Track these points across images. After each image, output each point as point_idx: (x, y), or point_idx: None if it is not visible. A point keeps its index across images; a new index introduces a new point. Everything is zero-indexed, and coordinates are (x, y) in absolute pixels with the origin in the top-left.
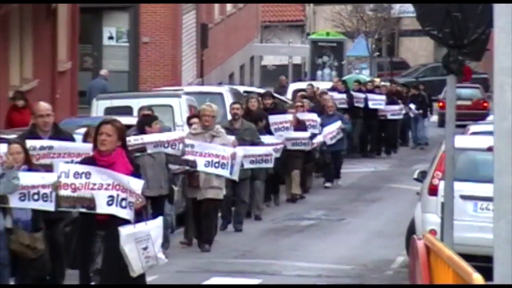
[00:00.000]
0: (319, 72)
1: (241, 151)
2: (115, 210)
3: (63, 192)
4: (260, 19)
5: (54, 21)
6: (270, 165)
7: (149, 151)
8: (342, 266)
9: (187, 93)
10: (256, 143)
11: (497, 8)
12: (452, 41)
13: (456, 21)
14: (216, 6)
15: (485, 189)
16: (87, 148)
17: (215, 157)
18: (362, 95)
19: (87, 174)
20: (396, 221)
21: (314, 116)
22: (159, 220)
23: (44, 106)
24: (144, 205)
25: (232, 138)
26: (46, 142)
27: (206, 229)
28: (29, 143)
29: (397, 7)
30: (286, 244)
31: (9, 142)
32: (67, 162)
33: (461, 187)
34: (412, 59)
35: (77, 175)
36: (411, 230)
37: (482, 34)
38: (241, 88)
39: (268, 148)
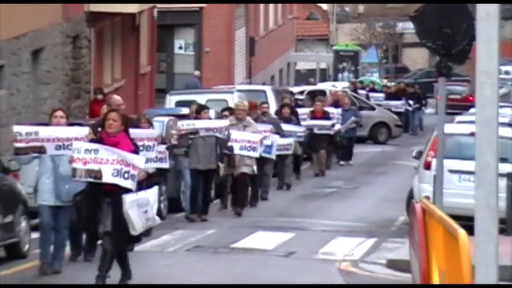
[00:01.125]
0: (339, 75)
1: (276, 136)
2: (118, 181)
3: (75, 165)
4: (295, 34)
5: (137, 34)
6: (290, 152)
7: (201, 134)
8: (356, 223)
9: (238, 91)
10: (280, 134)
11: (479, 24)
12: (443, 51)
13: (446, 36)
14: (261, 23)
15: (468, 165)
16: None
17: (247, 142)
18: (364, 92)
19: (96, 151)
20: (398, 189)
21: (335, 110)
22: (155, 188)
23: (117, 99)
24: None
25: (269, 126)
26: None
27: (241, 197)
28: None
29: (400, 25)
30: (314, 206)
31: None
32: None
33: (449, 164)
34: (412, 65)
35: (87, 151)
36: (410, 196)
37: (466, 45)
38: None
39: (290, 139)
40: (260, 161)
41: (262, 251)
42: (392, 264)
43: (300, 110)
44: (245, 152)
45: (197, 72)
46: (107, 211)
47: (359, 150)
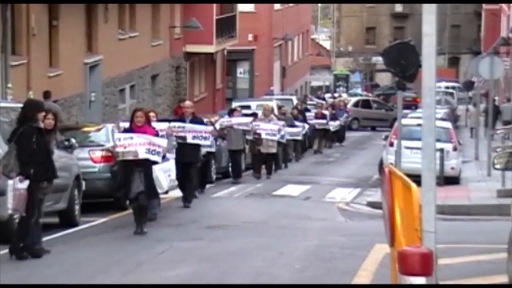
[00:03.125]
0: (337, 89)
1: (288, 128)
2: (149, 156)
3: (118, 149)
4: (310, 64)
5: (215, 65)
6: (299, 137)
7: (234, 127)
8: (348, 179)
9: (276, 99)
10: (293, 125)
11: (424, 59)
12: (400, 74)
13: (402, 65)
14: (289, 57)
15: (416, 144)
16: (206, 128)
17: (270, 130)
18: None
19: (131, 138)
20: (373, 158)
21: (327, 112)
22: (172, 160)
23: (187, 103)
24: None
25: (282, 122)
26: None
27: (268, 168)
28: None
29: (374, 58)
30: (322, 169)
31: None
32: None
33: (404, 143)
34: (381, 83)
35: (125, 138)
36: (381, 163)
37: (414, 71)
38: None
39: (299, 129)
40: (280, 144)
41: (291, 196)
42: (371, 204)
43: (307, 113)
44: (269, 137)
45: (272, 87)
46: (139, 177)
47: (349, 134)
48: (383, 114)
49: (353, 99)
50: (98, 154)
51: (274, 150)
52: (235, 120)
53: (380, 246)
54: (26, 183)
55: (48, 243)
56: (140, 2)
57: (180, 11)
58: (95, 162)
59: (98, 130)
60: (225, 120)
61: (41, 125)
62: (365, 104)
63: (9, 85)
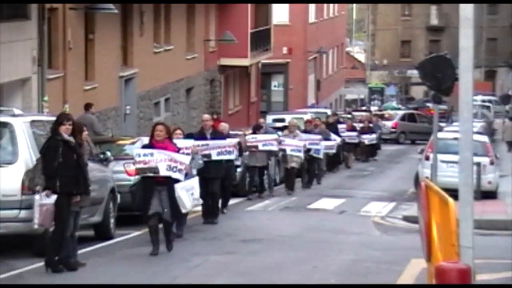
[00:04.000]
0: (372, 102)
1: (324, 142)
2: (171, 174)
3: (137, 165)
4: (344, 77)
5: (249, 78)
6: (334, 151)
7: (259, 148)
8: (383, 193)
9: (310, 112)
10: (329, 139)
11: (461, 72)
12: (436, 88)
13: (438, 78)
14: (324, 70)
15: (452, 158)
16: (230, 142)
17: (295, 146)
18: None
19: (151, 154)
20: (409, 172)
21: (365, 125)
22: (196, 178)
23: (206, 116)
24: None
25: (317, 136)
26: (254, 135)
27: (291, 182)
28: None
29: (409, 71)
30: (357, 182)
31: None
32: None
33: (440, 157)
34: (416, 96)
35: (145, 155)
36: (416, 176)
37: (450, 84)
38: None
39: (333, 142)
40: (313, 159)
41: (325, 210)
42: (406, 218)
43: (339, 126)
44: (294, 153)
45: (313, 101)
46: (159, 196)
47: (384, 148)
48: (426, 127)
49: (400, 113)
50: (133, 167)
51: (296, 165)
52: (261, 137)
53: (416, 261)
54: (53, 198)
55: (83, 256)
56: (176, 2)
57: (215, 24)
58: (130, 175)
59: (133, 143)
60: (251, 138)
61: (67, 137)
62: (411, 117)
63: (46, 98)
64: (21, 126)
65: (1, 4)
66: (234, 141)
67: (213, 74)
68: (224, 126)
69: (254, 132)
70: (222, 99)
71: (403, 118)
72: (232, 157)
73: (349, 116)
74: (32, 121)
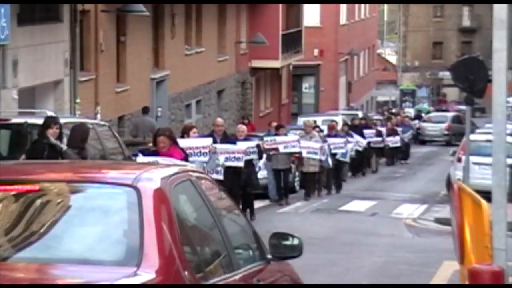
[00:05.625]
0: (404, 104)
1: (351, 145)
2: None
3: None
4: (376, 78)
5: (280, 80)
6: (344, 159)
7: (280, 151)
8: (415, 195)
9: (341, 114)
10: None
11: (494, 73)
12: (468, 89)
13: (470, 80)
14: (355, 72)
15: (484, 160)
16: (239, 148)
17: (312, 148)
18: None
19: (156, 162)
20: (441, 174)
21: (383, 129)
22: None
23: (219, 121)
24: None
25: (341, 139)
26: (272, 138)
27: (309, 188)
28: (264, 138)
29: (441, 73)
30: (388, 184)
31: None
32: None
33: (472, 159)
34: (448, 98)
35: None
36: (448, 178)
37: (483, 86)
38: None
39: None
40: (339, 163)
41: (357, 212)
42: (438, 220)
43: (367, 131)
44: (310, 155)
45: (352, 104)
46: None
47: (415, 150)
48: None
49: (449, 115)
50: None
51: (316, 169)
52: (280, 139)
53: (448, 263)
54: None
55: None
56: (207, 2)
57: (246, 26)
58: None
59: None
60: (269, 140)
61: (54, 141)
62: (457, 120)
63: (78, 100)
64: None
65: (34, 7)
66: (243, 147)
67: (244, 76)
68: (241, 128)
69: (276, 134)
70: (253, 101)
71: (454, 120)
72: (240, 164)
73: (381, 117)
74: (64, 124)
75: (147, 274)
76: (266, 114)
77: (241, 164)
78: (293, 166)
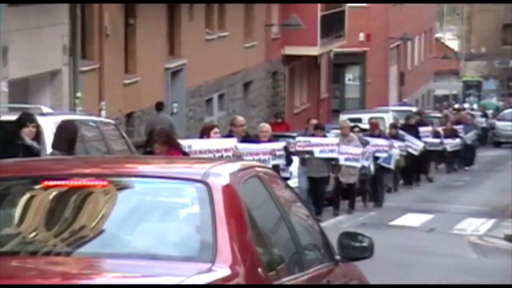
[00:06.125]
0: (467, 99)
1: (396, 150)
2: None
3: None
4: (434, 69)
5: (318, 70)
6: (389, 165)
7: (315, 155)
8: (481, 207)
9: (392, 111)
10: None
11: None
12: None
13: None
14: (409, 61)
15: None
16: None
17: (351, 155)
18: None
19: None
20: None
21: (440, 129)
22: None
23: (240, 120)
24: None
25: (386, 141)
26: (306, 138)
27: (350, 201)
28: (296, 138)
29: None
30: (449, 195)
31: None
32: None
33: None
34: None
35: None
36: None
37: None
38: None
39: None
40: (380, 170)
41: (411, 227)
42: (509, 238)
43: (421, 128)
44: (349, 163)
45: (405, 99)
46: None
47: (482, 154)
48: None
49: None
50: None
51: (355, 180)
52: (315, 140)
53: None
54: None
55: None
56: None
57: (278, 7)
58: None
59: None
60: (302, 140)
61: (30, 142)
62: None
63: (79, 94)
64: (50, 127)
65: None
66: (269, 147)
67: (276, 65)
68: (264, 127)
69: (313, 134)
70: (286, 96)
71: None
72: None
73: (440, 115)
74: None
75: (223, 270)
76: (302, 111)
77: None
78: (331, 175)
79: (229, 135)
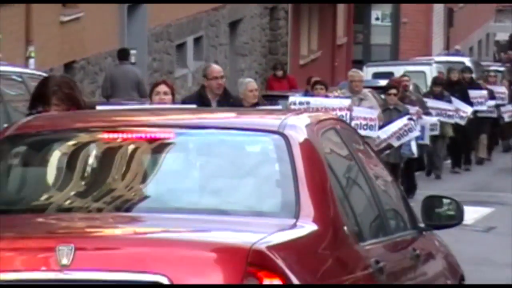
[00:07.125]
0: None
1: (427, 119)
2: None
3: None
4: (494, 4)
5: (334, 6)
6: (436, 132)
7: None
8: None
9: (437, 62)
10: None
11: None
12: None
13: None
14: None
15: None
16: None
17: (362, 119)
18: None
19: (307, 102)
20: None
21: (502, 89)
22: None
23: (216, 69)
24: None
25: (414, 109)
26: (303, 99)
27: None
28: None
29: None
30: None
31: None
32: None
33: None
34: None
35: (300, 103)
36: None
37: None
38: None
39: (433, 118)
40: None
41: (461, 225)
42: None
43: (474, 93)
44: (362, 132)
45: (457, 46)
46: None
47: None
48: None
49: None
50: None
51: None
52: (316, 101)
53: None
54: None
55: None
56: None
57: None
58: None
59: None
60: (298, 102)
61: None
62: None
63: None
64: None
65: None
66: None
67: None
68: (250, 85)
69: (308, 93)
70: (289, 41)
71: None
72: None
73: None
74: None
75: (309, 225)
76: (311, 62)
77: None
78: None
79: (198, 93)
